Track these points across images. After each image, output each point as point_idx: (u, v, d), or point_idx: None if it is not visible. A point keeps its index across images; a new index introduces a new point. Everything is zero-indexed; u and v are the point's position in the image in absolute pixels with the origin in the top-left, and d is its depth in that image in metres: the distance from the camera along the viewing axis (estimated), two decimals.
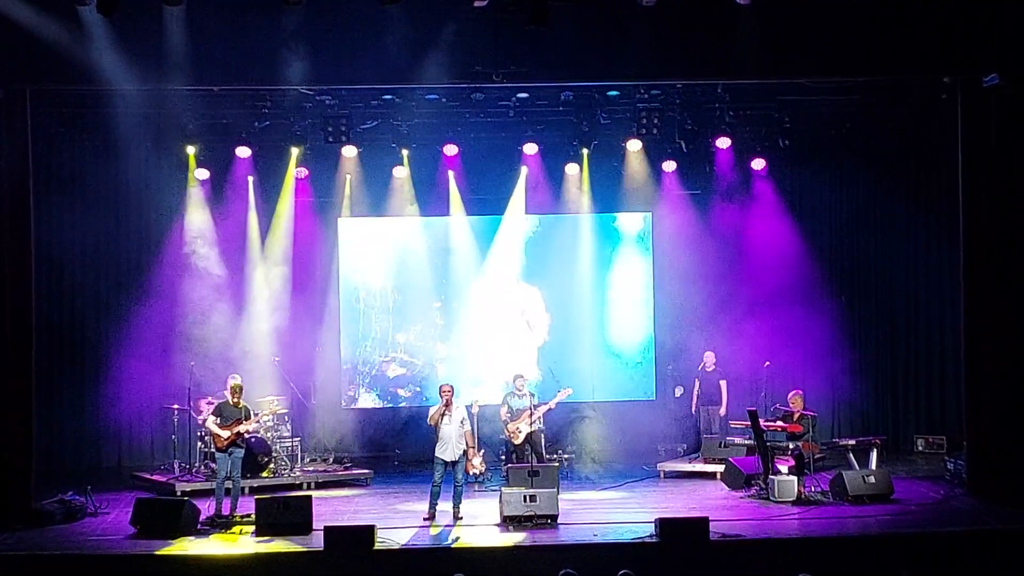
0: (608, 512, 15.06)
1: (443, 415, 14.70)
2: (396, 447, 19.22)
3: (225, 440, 14.86)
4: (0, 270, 14.88)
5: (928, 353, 19.93)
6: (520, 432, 16.73)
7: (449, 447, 14.70)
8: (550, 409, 17.09)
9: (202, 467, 16.94)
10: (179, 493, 15.96)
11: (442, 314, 19.85)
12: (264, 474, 16.92)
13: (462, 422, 14.83)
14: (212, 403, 16.15)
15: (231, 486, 14.88)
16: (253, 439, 16.85)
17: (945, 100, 16.47)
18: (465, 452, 14.86)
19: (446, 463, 14.71)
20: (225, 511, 14.63)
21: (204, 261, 18.71)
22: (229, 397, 15.12)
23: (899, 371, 20.11)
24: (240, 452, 15.05)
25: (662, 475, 17.70)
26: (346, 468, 18.02)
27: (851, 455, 16.46)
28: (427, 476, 15.05)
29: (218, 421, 14.94)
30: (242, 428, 14.91)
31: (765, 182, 19.41)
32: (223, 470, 14.89)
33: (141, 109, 16.77)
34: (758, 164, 19.02)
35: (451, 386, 15.04)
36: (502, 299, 19.96)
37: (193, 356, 17.85)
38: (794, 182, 19.75)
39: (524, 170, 19.25)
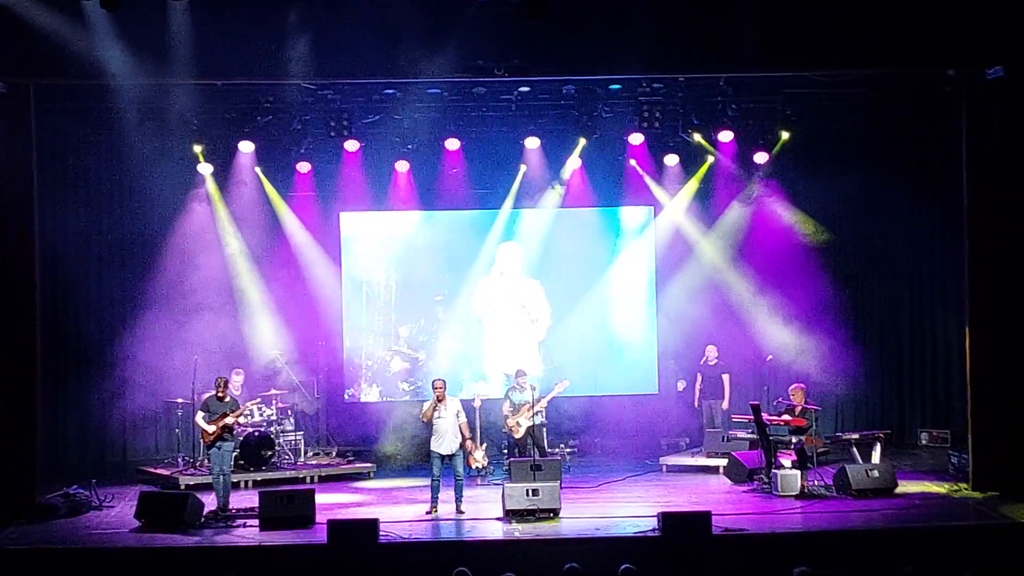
0: (610, 506, 15.08)
1: (435, 410, 14.72)
2: (399, 441, 19.20)
3: (211, 435, 14.88)
4: (4, 266, 14.92)
5: (932, 347, 19.91)
6: (520, 426, 16.71)
7: (445, 440, 14.72)
8: (547, 402, 17.06)
9: (206, 461, 16.91)
10: (183, 487, 16.02)
11: (444, 308, 19.83)
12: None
13: (457, 414, 14.81)
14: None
15: (224, 480, 14.92)
16: (257, 432, 16.91)
17: (949, 93, 16.44)
18: (462, 444, 14.83)
19: (442, 456, 14.73)
20: (231, 504, 14.68)
21: (208, 256, 18.75)
22: (215, 392, 15.13)
23: (903, 365, 20.09)
24: (229, 445, 15.07)
25: (664, 469, 17.72)
26: (349, 462, 18.07)
27: (854, 449, 16.40)
28: (430, 470, 15.01)
29: (205, 416, 14.96)
30: (228, 421, 14.92)
31: (768, 175, 19.40)
32: (216, 465, 14.93)
33: (145, 104, 16.74)
34: (761, 157, 19.01)
35: (443, 380, 15.00)
36: (504, 293, 19.96)
37: (197, 351, 17.87)
38: (797, 176, 19.71)
39: (523, 168, 19.25)
